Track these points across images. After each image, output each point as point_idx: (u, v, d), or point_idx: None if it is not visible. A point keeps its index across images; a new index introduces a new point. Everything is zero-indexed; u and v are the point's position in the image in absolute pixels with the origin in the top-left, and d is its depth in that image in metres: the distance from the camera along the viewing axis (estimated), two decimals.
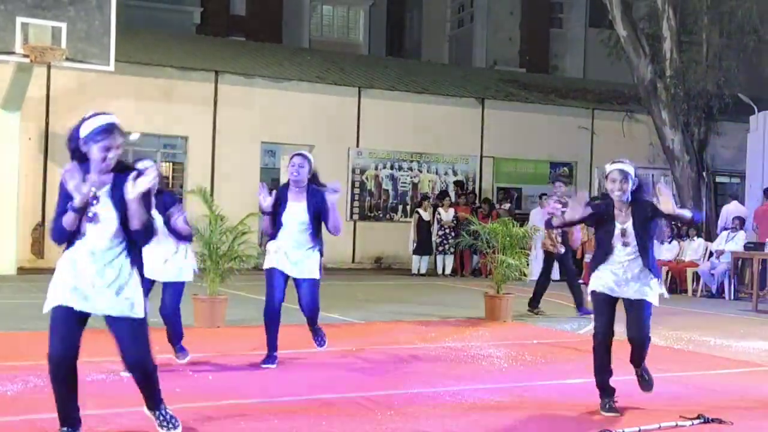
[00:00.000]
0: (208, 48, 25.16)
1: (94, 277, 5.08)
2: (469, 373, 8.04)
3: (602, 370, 6.56)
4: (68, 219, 5.07)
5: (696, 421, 6.14)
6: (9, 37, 16.31)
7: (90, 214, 5.09)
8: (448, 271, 20.93)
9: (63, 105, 19.28)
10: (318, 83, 22.62)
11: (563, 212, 6.63)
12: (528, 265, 13.55)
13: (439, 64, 37.80)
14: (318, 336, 8.36)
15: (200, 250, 9.75)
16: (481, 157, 24.02)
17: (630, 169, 6.50)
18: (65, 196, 5.09)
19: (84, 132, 5.07)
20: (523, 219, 18.57)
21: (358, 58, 31.13)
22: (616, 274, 6.49)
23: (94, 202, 5.09)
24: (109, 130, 5.03)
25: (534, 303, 13.30)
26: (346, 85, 22.95)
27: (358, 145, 22.57)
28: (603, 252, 6.56)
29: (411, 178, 23.42)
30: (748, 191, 20.60)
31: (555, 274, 20.35)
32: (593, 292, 6.61)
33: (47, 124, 19.31)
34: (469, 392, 7.10)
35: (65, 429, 5.17)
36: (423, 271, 20.92)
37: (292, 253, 7.95)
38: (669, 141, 22.48)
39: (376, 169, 22.91)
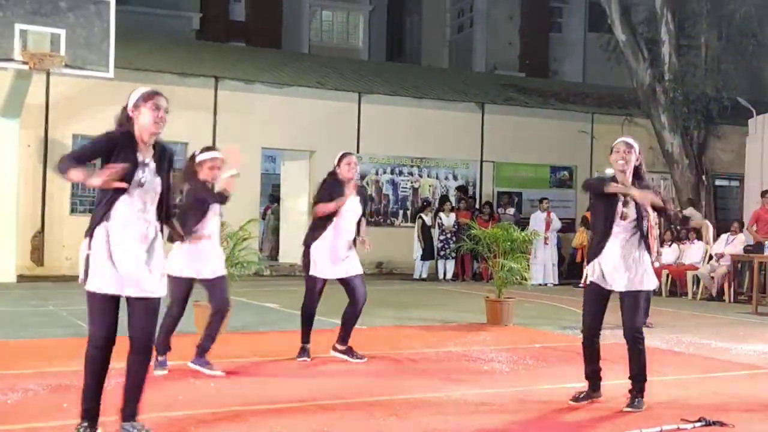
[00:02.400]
0: (208, 54, 25.16)
1: (137, 249, 5.22)
2: (471, 377, 8.03)
3: (590, 360, 6.89)
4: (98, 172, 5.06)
5: (697, 424, 6.14)
6: (8, 43, 16.32)
7: (141, 180, 5.22)
8: (449, 276, 20.94)
9: (62, 112, 19.31)
10: (318, 89, 22.62)
11: None
12: (528, 269, 13.47)
13: (438, 69, 37.80)
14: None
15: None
16: (482, 161, 24.01)
17: (635, 144, 6.73)
18: (100, 145, 5.25)
19: (131, 101, 5.35)
20: (523, 223, 18.59)
21: (358, 64, 31.14)
22: (613, 261, 6.65)
23: (145, 169, 5.28)
24: (156, 92, 5.46)
25: None
26: (346, 91, 22.96)
27: (358, 151, 22.53)
28: (602, 231, 6.71)
29: (411, 183, 23.42)
30: (747, 194, 20.61)
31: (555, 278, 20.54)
32: (588, 283, 6.81)
33: (46, 131, 19.31)
34: (471, 396, 7.10)
35: (86, 424, 5.24)
36: (425, 275, 20.94)
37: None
38: (668, 145, 22.51)
39: (377, 174, 22.91)
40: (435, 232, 20.98)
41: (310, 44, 40.91)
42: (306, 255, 8.51)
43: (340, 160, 8.67)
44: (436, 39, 44.33)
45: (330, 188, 8.49)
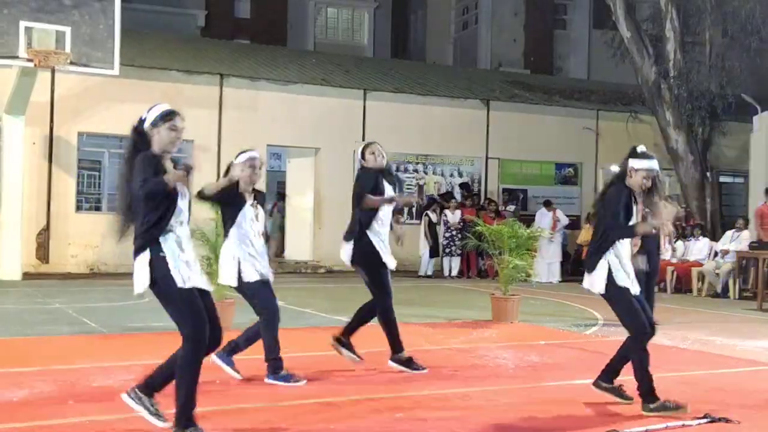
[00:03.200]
0: (213, 51, 25.20)
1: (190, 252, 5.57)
2: (476, 374, 8.04)
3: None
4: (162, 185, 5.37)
5: (703, 420, 6.14)
6: (13, 41, 16.35)
7: (181, 192, 5.51)
8: (454, 273, 20.93)
9: (67, 109, 19.33)
10: (323, 86, 22.64)
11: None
12: (533, 266, 13.45)
13: (443, 66, 37.82)
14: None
15: (206, 254, 9.72)
16: (487, 158, 24.02)
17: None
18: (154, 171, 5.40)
19: (150, 118, 5.53)
20: (528, 220, 18.57)
21: (362, 61, 31.14)
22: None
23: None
24: (175, 112, 5.59)
25: None
26: (351, 88, 22.97)
27: None
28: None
29: (417, 179, 23.42)
30: (752, 190, 20.56)
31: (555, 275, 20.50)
32: (628, 290, 6.56)
33: (51, 128, 19.32)
34: (477, 394, 7.09)
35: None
36: (430, 272, 20.93)
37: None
38: (673, 141, 22.47)
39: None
40: (440, 229, 20.97)
41: (315, 41, 40.93)
42: (364, 247, 8.07)
43: (363, 151, 8.34)
44: (441, 36, 44.34)
45: (367, 180, 8.11)
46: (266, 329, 7.37)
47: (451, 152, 23.69)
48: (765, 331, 11.93)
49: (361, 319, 8.39)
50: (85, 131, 19.85)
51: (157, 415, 5.50)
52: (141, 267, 5.37)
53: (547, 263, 20.20)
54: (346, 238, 8.15)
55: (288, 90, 22.07)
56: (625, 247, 6.63)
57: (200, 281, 5.51)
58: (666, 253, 15.09)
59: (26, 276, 17.57)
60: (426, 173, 23.54)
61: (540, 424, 6.20)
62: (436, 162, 23.65)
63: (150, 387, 5.57)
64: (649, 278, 12.47)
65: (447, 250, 20.93)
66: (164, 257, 5.36)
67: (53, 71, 17.90)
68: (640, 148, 6.74)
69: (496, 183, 24.09)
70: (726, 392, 7.37)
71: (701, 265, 17.74)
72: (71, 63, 16.81)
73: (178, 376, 5.37)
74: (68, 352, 8.60)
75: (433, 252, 21.04)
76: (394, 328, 8.16)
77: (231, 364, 7.55)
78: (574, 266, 21.20)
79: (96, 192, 20.43)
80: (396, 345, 8.17)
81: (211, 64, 22.28)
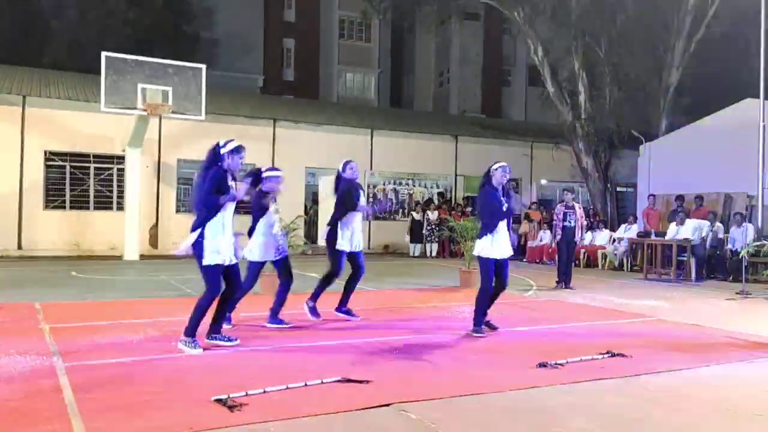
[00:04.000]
0: (268, 103, 25.18)
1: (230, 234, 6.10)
2: (450, 323, 8.01)
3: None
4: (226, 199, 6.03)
5: (606, 355, 6.13)
6: (133, 97, 16.39)
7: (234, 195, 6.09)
8: (434, 254, 20.89)
9: (170, 144, 19.37)
10: (343, 126, 22.62)
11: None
12: None
13: (425, 111, 37.76)
14: None
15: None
16: (456, 175, 23.99)
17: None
18: (222, 182, 5.97)
19: (227, 149, 6.04)
20: None
21: (370, 109, 31.10)
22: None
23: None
24: (242, 147, 6.15)
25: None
26: (363, 128, 22.94)
27: (371, 168, 22.55)
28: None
29: (407, 190, 23.40)
30: (639, 196, 20.54)
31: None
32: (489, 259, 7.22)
33: (159, 156, 19.36)
34: (449, 339, 7.08)
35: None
36: (417, 254, 20.90)
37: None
38: (584, 163, 22.43)
39: (384, 184, 22.89)
40: (424, 224, 20.94)
41: (338, 95, 40.86)
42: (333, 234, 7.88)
43: (345, 165, 7.94)
44: (424, 91, 44.30)
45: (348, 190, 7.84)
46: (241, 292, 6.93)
47: (431, 171, 23.65)
48: (647, 294, 11.90)
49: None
50: (182, 158, 19.85)
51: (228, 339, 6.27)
52: (191, 237, 6.01)
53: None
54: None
55: (319, 129, 22.05)
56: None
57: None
58: (581, 240, 15.08)
59: (142, 257, 17.59)
60: (414, 186, 23.51)
61: (493, 359, 6.18)
62: (421, 178, 23.62)
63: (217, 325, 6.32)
64: (569, 257, 12.50)
65: (429, 239, 20.90)
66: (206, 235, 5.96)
67: (160, 118, 17.97)
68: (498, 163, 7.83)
69: (462, 192, 24.06)
70: (622, 336, 7.36)
71: (604, 248, 17.71)
72: (173, 112, 16.84)
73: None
74: (171, 309, 8.60)
75: (413, 238, 20.93)
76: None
77: (281, 322, 7.48)
78: (516, 251, 21.06)
79: (189, 199, 20.42)
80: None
81: (267, 112, 22.26)
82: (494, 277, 7.12)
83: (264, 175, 7.38)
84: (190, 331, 5.99)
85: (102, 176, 19.15)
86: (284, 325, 7.39)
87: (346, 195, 7.84)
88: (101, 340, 6.57)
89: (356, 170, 7.98)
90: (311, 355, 6.03)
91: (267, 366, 5.57)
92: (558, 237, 12.45)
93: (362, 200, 8.01)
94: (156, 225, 19.28)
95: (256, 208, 7.35)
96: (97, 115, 17.38)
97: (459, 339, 6.98)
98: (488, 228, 7.09)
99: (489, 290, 7.10)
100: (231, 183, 6.01)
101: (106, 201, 19.18)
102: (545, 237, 19.04)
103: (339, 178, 7.98)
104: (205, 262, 5.87)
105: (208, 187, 5.83)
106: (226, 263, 5.98)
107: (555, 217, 12.63)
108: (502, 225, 7.19)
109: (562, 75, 23.15)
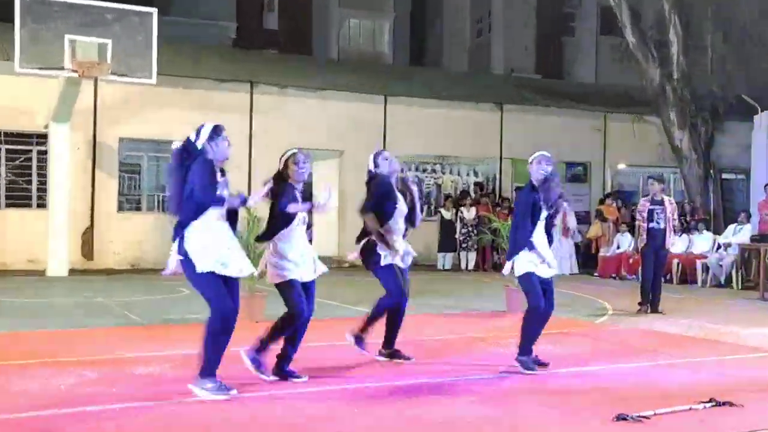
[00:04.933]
0: (243, 60, 25.24)
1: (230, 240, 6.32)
2: (491, 362, 7.99)
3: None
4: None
5: (708, 404, 6.09)
6: (58, 53, 16.46)
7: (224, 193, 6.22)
8: (471, 266, 20.88)
9: (109, 116, 19.45)
10: (346, 92, 22.62)
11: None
12: None
13: (459, 72, 37.78)
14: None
15: None
16: (501, 158, 23.96)
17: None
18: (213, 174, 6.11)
19: (203, 138, 6.12)
20: None
21: (383, 68, 31.15)
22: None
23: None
24: (221, 125, 6.24)
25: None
26: (373, 93, 22.94)
27: (385, 150, 22.52)
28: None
29: (434, 179, 23.40)
30: (753, 186, 20.45)
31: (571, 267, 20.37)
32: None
33: (95, 134, 19.45)
34: (490, 380, 7.07)
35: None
36: (447, 266, 20.89)
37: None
38: (677, 141, 22.37)
39: (403, 171, 22.83)
40: (457, 225, 20.93)
41: (338, 50, 40.93)
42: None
43: (376, 157, 8.16)
44: (457, 44, 44.29)
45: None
46: None
47: (466, 153, 23.65)
48: (766, 318, 11.84)
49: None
50: (126, 137, 19.93)
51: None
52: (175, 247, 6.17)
53: (560, 257, 20.04)
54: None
55: (314, 96, 22.08)
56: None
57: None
58: (672, 247, 15.00)
59: (72, 272, 17.66)
60: (443, 173, 23.53)
61: (552, 408, 6.18)
62: (453, 162, 23.62)
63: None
64: (657, 270, 12.46)
65: (463, 246, 20.87)
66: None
67: (96, 81, 18.02)
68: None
69: (510, 182, 24.01)
70: (730, 377, 7.33)
71: (705, 257, 17.64)
72: (112, 73, 16.90)
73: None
74: (112, 342, 8.63)
75: (447, 246, 20.91)
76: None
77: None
78: (584, 259, 21.03)
79: (136, 193, 20.55)
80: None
81: (242, 73, 22.30)
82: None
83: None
84: (208, 372, 6.04)
85: (16, 162, 19.26)
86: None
87: (383, 198, 7.90)
88: (15, 386, 6.59)
89: (394, 162, 8.07)
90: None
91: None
92: (642, 243, 12.43)
93: (401, 205, 8.00)
94: (91, 228, 19.37)
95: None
96: (10, 78, 17.47)
97: (500, 379, 6.97)
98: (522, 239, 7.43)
99: (539, 308, 7.35)
100: (219, 179, 6.14)
101: (22, 196, 19.29)
102: (624, 243, 18.98)
103: (372, 177, 8.03)
104: (199, 269, 5.93)
105: (203, 181, 5.92)
106: (235, 275, 6.20)
107: (638, 216, 12.63)
108: (539, 232, 7.37)
109: (647, 19, 23.07)
